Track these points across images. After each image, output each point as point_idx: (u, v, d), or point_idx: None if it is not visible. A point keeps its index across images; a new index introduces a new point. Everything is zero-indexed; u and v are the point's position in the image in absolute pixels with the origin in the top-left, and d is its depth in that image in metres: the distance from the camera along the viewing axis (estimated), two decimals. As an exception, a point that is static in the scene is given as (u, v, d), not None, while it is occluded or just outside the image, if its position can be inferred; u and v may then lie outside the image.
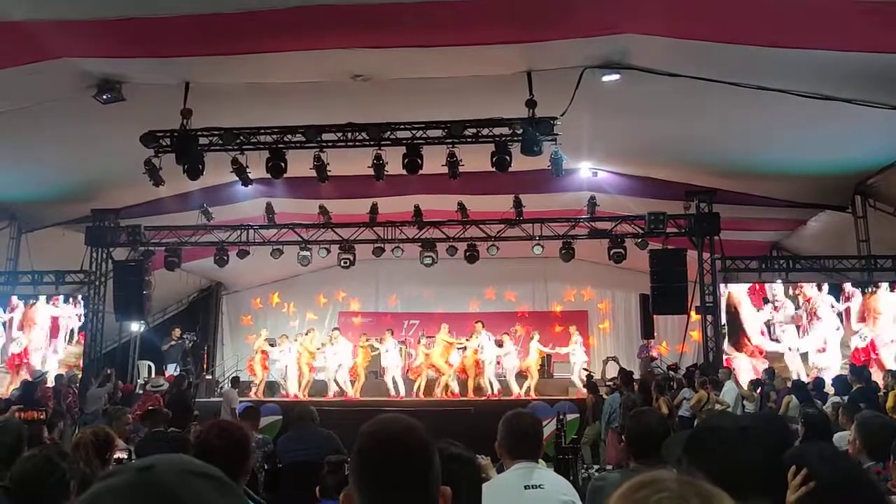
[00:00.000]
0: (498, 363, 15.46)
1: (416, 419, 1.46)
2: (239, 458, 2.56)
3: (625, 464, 3.47)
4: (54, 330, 13.84)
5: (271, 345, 15.66)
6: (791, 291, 13.06)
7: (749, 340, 12.92)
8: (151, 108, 9.44)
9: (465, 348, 14.96)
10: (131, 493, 0.80)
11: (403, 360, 15.90)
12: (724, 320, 12.86)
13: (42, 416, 9.13)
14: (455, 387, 14.75)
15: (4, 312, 13.83)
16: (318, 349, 15.23)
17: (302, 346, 15.11)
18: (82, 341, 13.56)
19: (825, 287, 12.95)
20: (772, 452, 2.17)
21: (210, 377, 17.23)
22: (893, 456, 3.09)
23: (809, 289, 12.96)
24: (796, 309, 12.95)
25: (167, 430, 5.75)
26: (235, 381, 13.99)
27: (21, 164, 11.09)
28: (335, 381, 14.94)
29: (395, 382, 14.90)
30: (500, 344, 15.23)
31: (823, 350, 12.66)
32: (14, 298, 13.94)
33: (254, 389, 15.05)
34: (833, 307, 12.76)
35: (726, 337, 12.90)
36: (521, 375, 15.04)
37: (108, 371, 12.86)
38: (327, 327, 17.50)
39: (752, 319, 13.03)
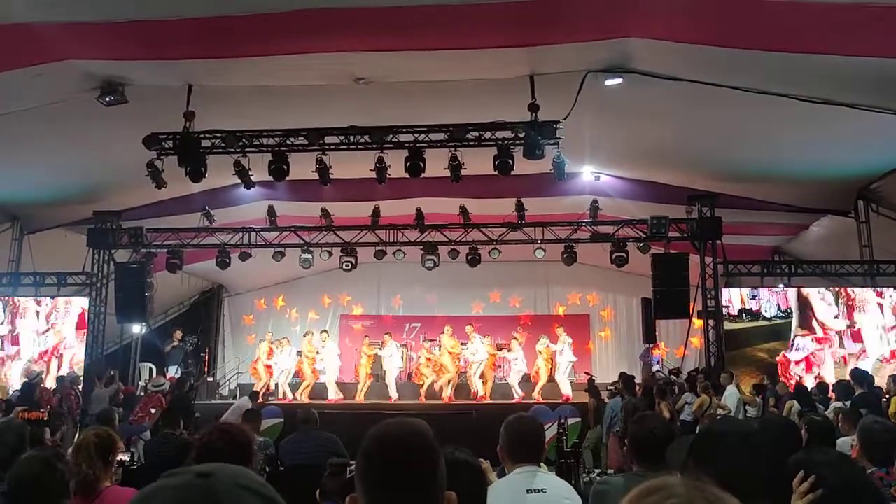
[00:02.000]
0: (499, 367, 15.40)
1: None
2: (241, 460, 2.55)
3: (627, 468, 3.45)
4: (80, 324, 13.77)
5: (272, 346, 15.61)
6: (832, 289, 13.00)
7: (823, 326, 12.83)
8: (154, 111, 9.46)
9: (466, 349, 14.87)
10: (184, 494, 0.87)
11: (405, 364, 15.85)
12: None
13: (45, 418, 9.11)
14: (448, 391, 14.61)
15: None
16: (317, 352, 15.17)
17: (309, 349, 15.04)
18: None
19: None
20: (775, 458, 2.17)
21: (211, 380, 17.22)
22: (897, 461, 3.08)
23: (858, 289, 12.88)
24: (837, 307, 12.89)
25: (180, 433, 5.77)
26: (254, 396, 13.87)
27: (24, 165, 11.10)
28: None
29: (393, 384, 14.79)
30: (503, 348, 15.17)
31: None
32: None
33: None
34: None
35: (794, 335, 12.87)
36: (530, 379, 14.97)
37: (112, 372, 12.85)
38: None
39: (821, 305, 13.02)
